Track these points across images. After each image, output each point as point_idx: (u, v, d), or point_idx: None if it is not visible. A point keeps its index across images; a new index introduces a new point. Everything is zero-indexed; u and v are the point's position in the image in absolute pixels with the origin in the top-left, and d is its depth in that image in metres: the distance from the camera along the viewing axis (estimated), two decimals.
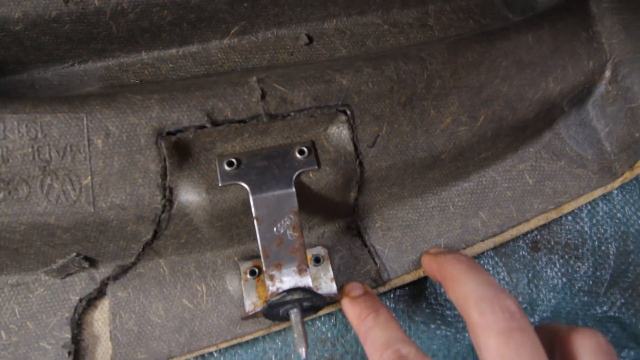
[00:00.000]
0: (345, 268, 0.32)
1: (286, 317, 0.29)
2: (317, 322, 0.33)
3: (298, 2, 0.35)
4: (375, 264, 0.33)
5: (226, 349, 0.32)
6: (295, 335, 0.27)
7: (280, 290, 0.28)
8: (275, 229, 0.28)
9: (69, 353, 0.29)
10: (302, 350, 0.27)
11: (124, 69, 0.36)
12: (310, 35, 0.37)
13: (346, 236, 0.33)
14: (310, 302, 0.28)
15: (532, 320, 0.35)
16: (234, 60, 0.36)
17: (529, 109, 0.33)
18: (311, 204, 0.30)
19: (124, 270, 0.31)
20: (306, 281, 0.28)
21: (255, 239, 0.32)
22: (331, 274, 0.31)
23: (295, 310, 0.28)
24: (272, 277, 0.28)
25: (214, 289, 0.31)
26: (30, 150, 0.27)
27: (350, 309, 0.29)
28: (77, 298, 0.31)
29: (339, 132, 0.30)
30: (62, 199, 0.27)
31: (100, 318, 0.31)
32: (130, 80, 0.36)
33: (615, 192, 0.38)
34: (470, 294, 0.25)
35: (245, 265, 0.31)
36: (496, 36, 0.32)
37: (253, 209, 0.28)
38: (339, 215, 0.33)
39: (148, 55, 0.36)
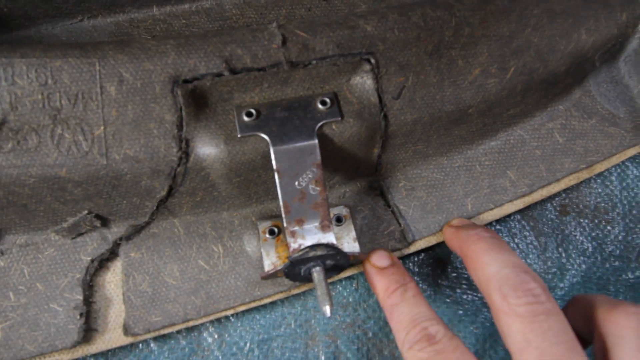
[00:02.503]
0: (368, 228, 0.31)
1: (307, 278, 0.28)
2: (339, 286, 0.32)
3: None
4: (399, 224, 0.31)
5: (243, 313, 0.31)
6: (319, 293, 0.26)
7: (302, 247, 0.26)
8: (297, 183, 0.27)
9: (81, 315, 0.28)
10: (327, 309, 0.26)
11: (135, 24, 0.34)
12: None
13: (369, 196, 0.32)
14: (333, 260, 0.27)
15: (561, 285, 0.33)
16: (249, 16, 0.35)
17: (560, 62, 0.31)
18: (333, 159, 0.29)
19: (137, 230, 0.30)
20: (330, 238, 0.27)
21: (274, 198, 0.31)
22: (354, 234, 0.30)
23: (317, 268, 0.27)
24: (293, 234, 0.27)
25: (231, 250, 0.30)
26: (40, 97, 0.25)
27: (378, 280, 0.28)
28: (89, 259, 0.29)
29: (363, 82, 0.29)
30: (74, 149, 0.26)
31: (113, 280, 0.30)
32: (141, 37, 0.34)
33: None
34: (492, 276, 0.24)
35: (264, 225, 0.30)
36: None
37: (274, 161, 0.27)
38: (361, 174, 0.31)
39: (160, 10, 0.34)
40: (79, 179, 0.26)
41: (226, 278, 0.29)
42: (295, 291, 0.30)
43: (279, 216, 0.30)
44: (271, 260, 0.29)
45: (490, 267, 0.25)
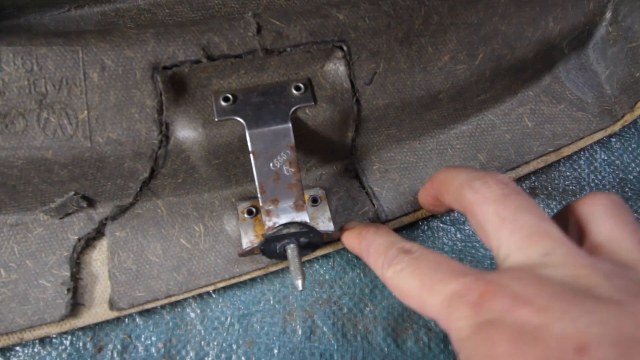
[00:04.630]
0: (343, 209, 0.32)
1: (283, 255, 0.29)
2: (315, 264, 0.33)
3: None
4: (373, 205, 0.33)
5: (224, 289, 0.32)
6: (292, 269, 0.28)
7: (277, 225, 0.28)
8: (271, 164, 0.28)
9: (68, 290, 0.30)
10: (299, 282, 0.27)
11: (120, 14, 0.35)
12: None
13: (344, 178, 0.33)
14: (307, 237, 0.28)
15: None
16: (231, 6, 0.36)
17: (528, 49, 0.33)
18: (308, 143, 0.30)
19: (122, 211, 0.31)
20: (303, 216, 0.28)
21: (253, 180, 0.32)
22: (329, 214, 0.31)
23: (292, 245, 0.28)
24: (268, 213, 0.28)
25: (211, 229, 0.31)
26: (26, 83, 0.27)
27: (349, 235, 0.29)
28: (76, 237, 0.31)
29: (336, 68, 0.30)
30: (59, 133, 0.27)
31: (99, 258, 0.31)
32: (126, 26, 0.35)
33: (614, 139, 0.38)
34: (462, 182, 0.24)
35: (243, 205, 0.31)
36: None
37: (249, 144, 0.28)
38: (336, 157, 0.33)
39: (144, 0, 0.36)
40: (65, 161, 0.28)
41: (207, 256, 0.31)
42: (272, 268, 0.31)
43: (256, 197, 0.32)
44: (249, 239, 0.30)
45: (459, 177, 0.25)
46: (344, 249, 0.33)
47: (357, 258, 0.33)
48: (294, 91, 0.29)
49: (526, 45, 0.33)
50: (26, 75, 0.27)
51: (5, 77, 0.27)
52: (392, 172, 0.33)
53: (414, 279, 0.22)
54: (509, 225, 0.21)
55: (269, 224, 0.28)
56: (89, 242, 0.31)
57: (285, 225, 0.27)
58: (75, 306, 0.30)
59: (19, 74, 0.27)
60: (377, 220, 0.32)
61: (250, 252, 0.29)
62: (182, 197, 0.32)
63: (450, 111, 0.33)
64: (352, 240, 0.29)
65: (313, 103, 0.29)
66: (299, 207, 0.28)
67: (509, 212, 0.22)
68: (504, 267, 0.21)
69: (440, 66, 0.31)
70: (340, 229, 0.31)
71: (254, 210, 0.31)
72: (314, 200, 0.32)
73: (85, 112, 0.27)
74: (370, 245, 0.27)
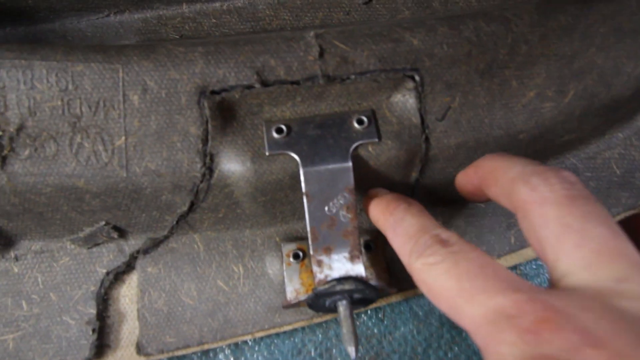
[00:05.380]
0: (398, 258, 0.29)
1: (332, 309, 0.26)
2: (363, 315, 0.30)
3: None
4: None
5: (262, 338, 0.29)
6: (344, 332, 0.24)
7: (329, 278, 0.24)
8: (326, 208, 0.25)
9: (93, 330, 0.27)
10: (352, 350, 0.24)
11: (163, 22, 0.32)
12: None
13: None
14: (361, 294, 0.25)
15: None
16: (283, 18, 0.33)
17: (626, 86, 0.28)
18: (366, 182, 0.27)
19: (156, 244, 0.28)
20: (358, 270, 0.25)
21: (300, 218, 0.29)
22: (384, 264, 0.28)
23: (344, 302, 0.25)
24: (320, 263, 0.25)
25: (252, 271, 0.28)
26: (59, 103, 0.24)
27: (374, 205, 0.25)
28: (104, 271, 0.28)
29: (405, 100, 0.26)
30: (93, 160, 0.24)
31: (128, 294, 0.28)
32: (169, 35, 0.32)
33: None
34: (516, 175, 0.20)
35: (289, 247, 0.28)
36: None
37: (303, 184, 0.25)
38: None
39: (190, 8, 0.33)
40: (97, 191, 0.25)
41: (245, 301, 0.28)
42: (317, 320, 0.28)
43: (304, 238, 0.28)
44: (294, 287, 0.27)
45: (513, 169, 0.21)
46: (397, 302, 0.29)
47: (410, 312, 0.30)
48: (356, 124, 0.26)
49: (624, 82, 0.28)
50: (60, 94, 0.24)
51: (37, 96, 0.24)
52: (456, 219, 0.30)
53: (449, 279, 0.19)
54: (574, 236, 0.18)
55: (319, 276, 0.25)
56: (118, 276, 0.28)
57: (340, 280, 0.24)
58: (100, 347, 0.27)
59: (52, 93, 0.24)
60: None
61: (296, 305, 0.26)
62: (222, 233, 0.29)
63: (527, 153, 0.29)
64: (377, 212, 0.25)
65: (377, 139, 0.26)
66: (354, 258, 0.25)
67: (575, 220, 0.18)
68: (563, 287, 0.17)
69: (524, 103, 0.27)
70: (397, 283, 0.27)
71: (300, 254, 0.28)
72: (367, 247, 0.28)
73: (123, 138, 0.24)
74: (399, 224, 0.23)
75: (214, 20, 0.32)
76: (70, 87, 0.24)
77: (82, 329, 0.27)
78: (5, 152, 0.24)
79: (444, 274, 0.19)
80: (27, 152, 0.24)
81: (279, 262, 0.28)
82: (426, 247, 0.20)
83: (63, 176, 0.24)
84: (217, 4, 0.33)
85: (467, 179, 0.25)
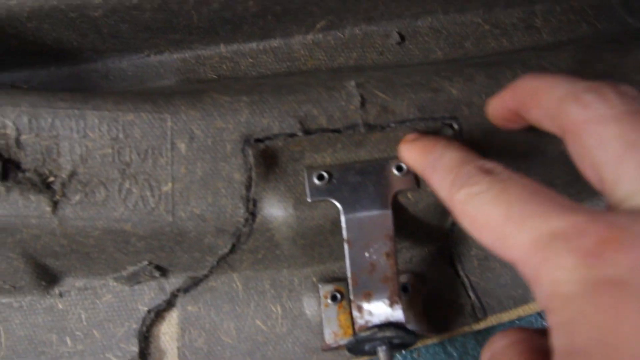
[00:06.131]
0: (435, 300, 0.29)
1: (370, 352, 0.26)
2: (399, 355, 0.30)
3: None
4: (470, 297, 0.29)
5: None
6: None
7: (370, 325, 0.25)
8: (367, 254, 0.25)
9: None
10: None
11: (201, 62, 0.33)
12: (402, 33, 0.34)
13: (437, 263, 0.30)
14: (401, 339, 0.25)
15: None
16: (318, 58, 0.33)
17: None
18: (404, 228, 0.27)
19: (196, 283, 0.29)
20: (398, 315, 0.25)
21: (337, 259, 0.29)
22: (421, 307, 0.28)
23: (384, 347, 0.25)
24: (360, 308, 0.25)
25: (289, 311, 0.29)
26: (110, 151, 0.25)
27: (410, 147, 0.24)
28: (146, 309, 0.29)
29: None
30: (140, 205, 0.25)
31: (168, 332, 0.29)
32: (207, 75, 0.33)
33: None
34: (565, 93, 0.18)
35: (326, 289, 0.28)
36: (630, 46, 0.28)
37: (344, 231, 0.25)
38: (430, 239, 0.30)
39: (227, 48, 0.33)
40: (144, 234, 0.26)
41: (284, 341, 0.28)
42: None
43: (340, 279, 0.29)
44: (332, 329, 0.27)
45: (559, 86, 0.19)
46: (432, 343, 0.30)
47: (445, 353, 0.30)
48: (395, 171, 0.26)
49: None
50: (111, 142, 0.25)
51: (89, 144, 0.25)
52: (491, 261, 0.30)
53: (497, 207, 0.17)
54: (638, 155, 0.16)
55: (360, 322, 0.25)
56: (158, 313, 0.29)
57: (381, 327, 0.24)
58: None
59: (103, 142, 0.25)
60: (474, 315, 0.29)
61: (335, 349, 0.26)
62: (260, 272, 0.29)
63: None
64: (413, 153, 0.24)
65: (416, 186, 0.26)
66: (393, 304, 0.25)
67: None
68: (627, 209, 0.15)
69: (561, 150, 0.27)
70: (433, 327, 0.27)
71: (338, 296, 0.28)
72: (404, 289, 0.28)
73: (170, 184, 0.25)
74: (438, 160, 0.21)
75: (251, 60, 0.33)
76: (120, 135, 0.25)
77: None
78: (57, 197, 0.25)
79: (490, 201, 0.17)
80: (77, 197, 0.25)
81: (317, 303, 0.29)
82: (469, 177, 0.19)
83: (111, 220, 0.25)
84: (254, 44, 0.33)
85: (502, 104, 0.22)
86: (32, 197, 0.24)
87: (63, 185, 0.25)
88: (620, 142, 0.16)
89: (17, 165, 0.25)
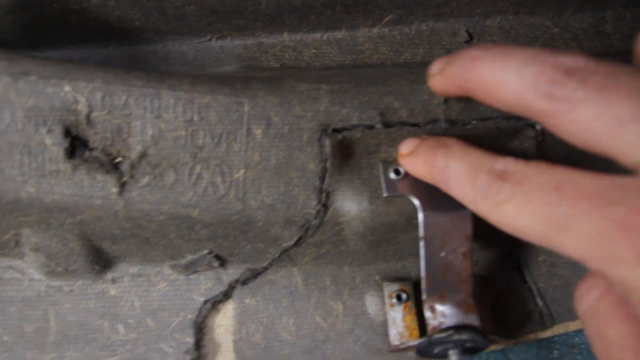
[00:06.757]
0: (502, 305, 0.28)
1: (440, 356, 0.25)
2: None
3: None
4: (537, 304, 0.28)
5: None
6: None
7: (443, 326, 0.24)
8: (442, 254, 0.25)
9: None
10: None
11: (264, 50, 0.32)
12: (470, 31, 0.33)
13: (503, 268, 0.29)
14: (474, 343, 0.24)
15: None
16: (383, 52, 0.33)
17: None
18: (482, 228, 0.26)
19: (254, 275, 0.28)
20: (472, 319, 0.24)
21: (401, 258, 0.28)
22: (489, 311, 0.27)
23: (456, 351, 0.24)
24: (433, 309, 0.24)
25: (351, 309, 0.28)
26: (183, 133, 0.24)
27: (413, 162, 0.23)
28: (202, 299, 0.28)
29: (522, 148, 0.26)
30: (210, 191, 0.24)
31: (223, 324, 0.28)
32: (269, 63, 0.32)
33: None
34: (524, 89, 0.17)
35: (391, 288, 0.27)
36: None
37: (422, 229, 0.24)
38: (497, 243, 0.29)
39: (290, 37, 0.33)
40: (210, 221, 0.25)
41: (344, 340, 0.27)
42: None
43: (404, 279, 0.28)
44: (397, 330, 0.26)
45: (511, 84, 0.18)
46: (495, 350, 0.29)
47: (505, 359, 0.29)
48: None
49: None
50: (185, 124, 0.24)
51: (162, 125, 0.24)
52: (559, 267, 0.29)
53: (530, 217, 0.17)
54: (632, 127, 0.15)
55: (433, 323, 0.24)
56: (214, 305, 0.28)
57: (457, 329, 0.24)
58: None
59: (177, 123, 0.24)
60: (542, 323, 0.28)
61: (403, 350, 0.25)
62: (320, 267, 0.28)
63: None
64: (417, 168, 0.23)
65: None
66: (467, 306, 0.24)
67: (621, 107, 0.15)
68: None
69: None
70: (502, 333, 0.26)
71: (403, 295, 0.27)
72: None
73: (242, 171, 0.24)
74: (446, 172, 0.21)
75: (314, 51, 0.32)
76: (195, 118, 0.24)
77: (179, 357, 0.27)
78: (125, 178, 0.24)
79: (520, 211, 0.17)
80: (146, 180, 0.24)
81: (380, 302, 0.28)
82: (487, 189, 0.19)
83: (179, 205, 0.24)
84: (318, 35, 0.33)
85: (443, 81, 0.21)
86: (99, 177, 0.24)
87: (132, 166, 0.24)
88: (604, 123, 0.15)
89: (84, 143, 0.24)
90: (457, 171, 0.20)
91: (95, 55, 0.32)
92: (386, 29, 0.33)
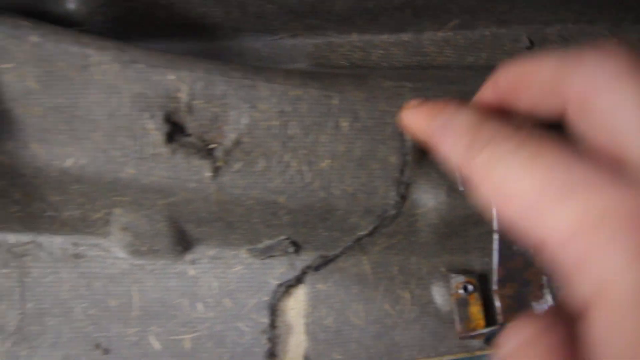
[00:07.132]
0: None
1: None
2: None
3: (531, 1, 0.32)
4: None
5: None
6: None
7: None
8: (515, 247, 0.26)
9: (268, 339, 0.28)
10: None
11: (333, 49, 0.34)
12: (531, 38, 0.34)
13: None
14: None
15: None
16: (448, 55, 0.34)
17: None
18: None
19: (325, 262, 0.30)
20: (542, 309, 0.26)
21: (467, 252, 0.30)
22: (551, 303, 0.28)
23: None
24: (503, 299, 0.26)
25: (418, 299, 0.29)
26: (276, 123, 0.25)
27: (414, 113, 0.21)
28: (277, 282, 0.29)
29: None
30: (297, 179, 0.26)
31: (295, 307, 0.29)
32: (339, 62, 0.34)
33: None
34: (559, 62, 0.16)
35: (458, 280, 0.29)
36: None
37: (496, 223, 0.26)
38: None
39: (359, 37, 0.34)
40: (294, 208, 0.26)
41: (412, 327, 0.29)
42: (479, 353, 0.29)
43: (468, 271, 0.29)
44: (464, 320, 0.28)
45: (548, 63, 0.16)
46: None
47: None
48: None
49: None
50: (277, 115, 0.25)
51: (256, 115, 0.25)
52: None
53: (530, 173, 0.14)
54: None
55: (503, 312, 0.25)
56: (287, 289, 0.29)
57: None
58: (271, 357, 0.28)
59: (270, 114, 0.25)
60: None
61: (472, 337, 0.27)
62: (389, 257, 0.30)
63: None
64: (417, 117, 0.20)
65: None
66: (537, 298, 0.26)
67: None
68: None
69: None
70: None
71: (469, 287, 0.28)
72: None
73: (328, 161, 0.26)
74: (448, 123, 0.18)
75: (382, 52, 0.34)
76: (287, 109, 0.25)
77: (256, 336, 0.28)
78: (219, 163, 0.25)
79: (521, 166, 0.14)
80: (238, 166, 0.25)
81: (446, 293, 0.29)
82: (493, 134, 0.15)
83: (267, 191, 0.26)
84: (385, 36, 0.34)
85: (484, 101, 0.19)
86: (195, 162, 0.25)
87: (226, 152, 0.25)
88: (636, 103, 0.13)
89: (181, 129, 0.26)
90: (464, 119, 0.17)
91: (174, 49, 0.34)
92: (450, 33, 0.34)
